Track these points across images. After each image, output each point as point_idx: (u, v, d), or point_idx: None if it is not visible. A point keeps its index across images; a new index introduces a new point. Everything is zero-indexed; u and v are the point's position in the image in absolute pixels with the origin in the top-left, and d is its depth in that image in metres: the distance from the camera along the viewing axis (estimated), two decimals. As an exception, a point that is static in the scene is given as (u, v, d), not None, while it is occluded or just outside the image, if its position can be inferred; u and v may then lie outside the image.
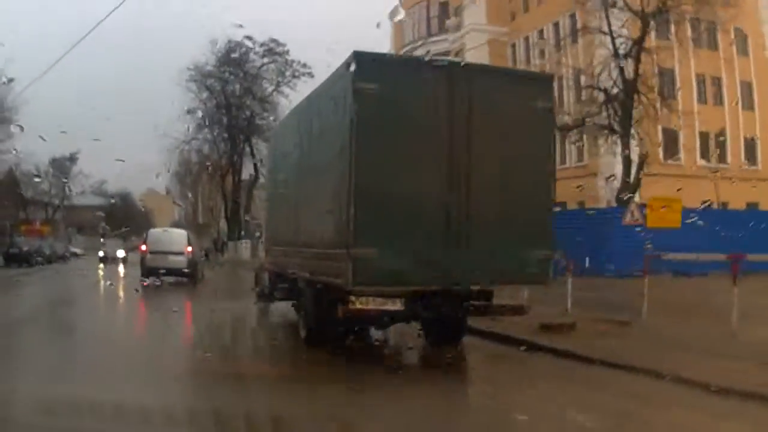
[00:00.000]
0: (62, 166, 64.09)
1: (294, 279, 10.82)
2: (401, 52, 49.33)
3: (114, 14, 25.65)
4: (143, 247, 23.32)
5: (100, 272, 32.11)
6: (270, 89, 46.97)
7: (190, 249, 23.27)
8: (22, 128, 34.50)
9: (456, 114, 8.54)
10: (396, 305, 8.66)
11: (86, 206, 66.96)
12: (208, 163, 51.03)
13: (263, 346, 11.46)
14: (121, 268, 33.91)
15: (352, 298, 8.47)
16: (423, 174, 8.49)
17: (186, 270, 22.59)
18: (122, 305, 17.93)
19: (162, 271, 21.55)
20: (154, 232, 25.27)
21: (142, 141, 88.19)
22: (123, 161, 65.93)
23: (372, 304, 8.58)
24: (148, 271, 21.81)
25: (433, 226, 8.46)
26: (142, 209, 75.92)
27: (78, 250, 57.36)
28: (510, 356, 9.96)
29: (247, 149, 47.41)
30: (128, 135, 62.19)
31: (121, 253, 39.90)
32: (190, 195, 73.55)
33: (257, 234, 41.47)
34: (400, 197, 8.31)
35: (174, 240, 23.46)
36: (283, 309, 12.75)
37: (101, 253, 40.82)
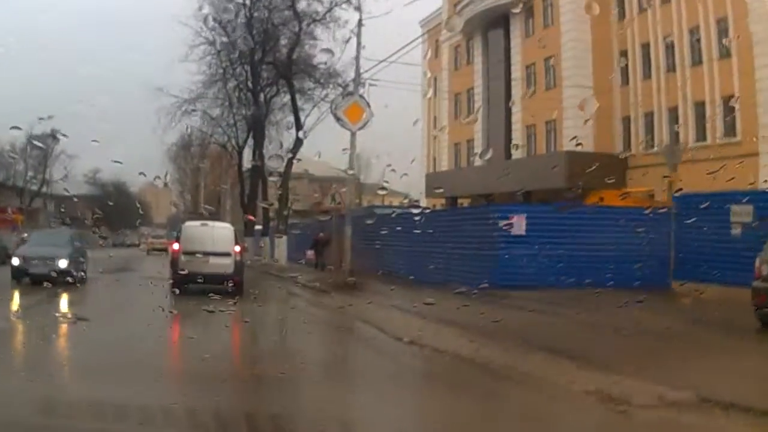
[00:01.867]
0: (43, 144, 54.74)
1: None
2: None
3: None
4: (176, 246, 18.66)
5: None
6: (321, 9, 33.11)
7: (238, 249, 18.40)
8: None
9: None
10: None
11: (71, 196, 58.25)
12: (214, 136, 39.80)
13: None
14: (65, 305, 14.60)
15: None
16: None
17: (231, 277, 17.46)
18: None
19: (200, 279, 15.86)
20: (191, 225, 19.58)
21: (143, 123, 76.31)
22: (121, 163, 54.45)
23: None
24: (181, 279, 16.01)
25: None
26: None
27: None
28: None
29: (282, 101, 35.44)
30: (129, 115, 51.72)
31: (62, 263, 18.82)
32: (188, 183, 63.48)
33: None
34: None
35: (217, 237, 18.44)
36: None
37: (15, 262, 19.47)
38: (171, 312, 11.69)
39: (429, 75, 43.62)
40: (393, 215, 16.93)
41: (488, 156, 39.41)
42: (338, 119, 18.18)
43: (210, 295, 12.99)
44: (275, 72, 34.97)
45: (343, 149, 18.36)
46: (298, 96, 33.73)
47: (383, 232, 18.56)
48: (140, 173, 48.56)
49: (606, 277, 12.35)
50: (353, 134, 18.46)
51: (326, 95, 33.15)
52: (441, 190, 40.35)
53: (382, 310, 12.39)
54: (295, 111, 33.55)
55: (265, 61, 34.51)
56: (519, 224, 15.64)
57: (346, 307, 13.45)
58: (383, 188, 17.81)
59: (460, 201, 38.60)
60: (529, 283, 12.53)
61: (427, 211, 20.92)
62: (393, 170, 16.94)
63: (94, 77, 71.20)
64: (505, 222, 15.50)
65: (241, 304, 15.57)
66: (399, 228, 17.43)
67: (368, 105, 17.93)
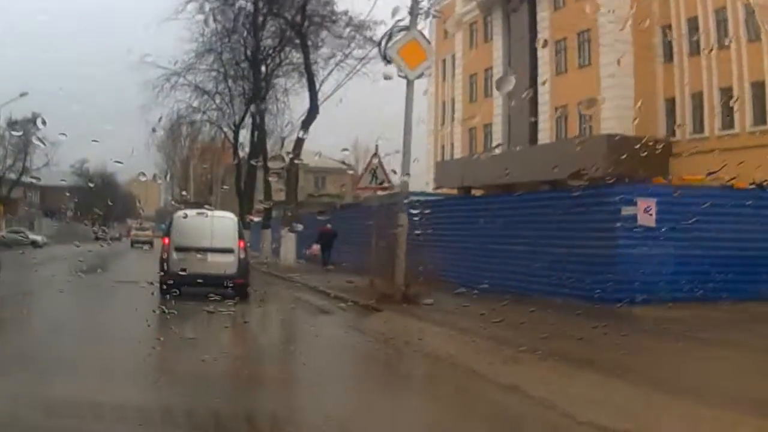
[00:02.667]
0: (24, 130, 52.01)
1: None
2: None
3: None
4: (166, 240, 15.95)
5: None
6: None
7: (242, 244, 15.63)
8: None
9: None
10: None
11: (56, 186, 55.44)
12: (206, 113, 36.05)
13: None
14: None
15: None
16: None
17: (234, 278, 14.71)
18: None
19: (200, 280, 12.95)
20: (183, 215, 16.45)
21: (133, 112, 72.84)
22: (122, 163, 50.86)
23: None
24: (173, 280, 12.60)
25: None
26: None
27: (40, 238, 46.43)
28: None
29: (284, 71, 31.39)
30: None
31: None
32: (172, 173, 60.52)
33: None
34: None
35: (217, 229, 15.48)
36: None
37: None
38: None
39: (430, 75, 40.47)
40: (445, 204, 12.99)
41: (497, 152, 36.43)
42: (391, 62, 13.72)
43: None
44: (280, 37, 30.66)
45: (343, 149, 15.00)
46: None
47: (435, 225, 13.87)
48: (140, 173, 45.48)
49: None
50: (410, 82, 13.90)
51: (349, 54, 28.80)
52: (441, 189, 37.24)
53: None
54: (309, 75, 28.80)
55: (272, 12, 29.76)
56: (648, 212, 11.48)
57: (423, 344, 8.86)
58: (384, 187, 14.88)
59: (473, 191, 35.54)
60: (657, 295, 9.31)
61: (497, 197, 17.13)
62: (394, 171, 14.05)
63: (82, 66, 67.72)
64: (632, 208, 11.22)
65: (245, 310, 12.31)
66: (458, 220, 13.72)
67: (429, 43, 13.64)
